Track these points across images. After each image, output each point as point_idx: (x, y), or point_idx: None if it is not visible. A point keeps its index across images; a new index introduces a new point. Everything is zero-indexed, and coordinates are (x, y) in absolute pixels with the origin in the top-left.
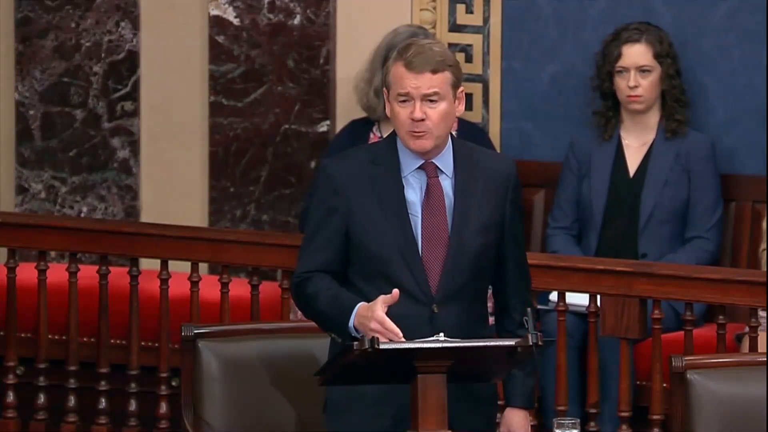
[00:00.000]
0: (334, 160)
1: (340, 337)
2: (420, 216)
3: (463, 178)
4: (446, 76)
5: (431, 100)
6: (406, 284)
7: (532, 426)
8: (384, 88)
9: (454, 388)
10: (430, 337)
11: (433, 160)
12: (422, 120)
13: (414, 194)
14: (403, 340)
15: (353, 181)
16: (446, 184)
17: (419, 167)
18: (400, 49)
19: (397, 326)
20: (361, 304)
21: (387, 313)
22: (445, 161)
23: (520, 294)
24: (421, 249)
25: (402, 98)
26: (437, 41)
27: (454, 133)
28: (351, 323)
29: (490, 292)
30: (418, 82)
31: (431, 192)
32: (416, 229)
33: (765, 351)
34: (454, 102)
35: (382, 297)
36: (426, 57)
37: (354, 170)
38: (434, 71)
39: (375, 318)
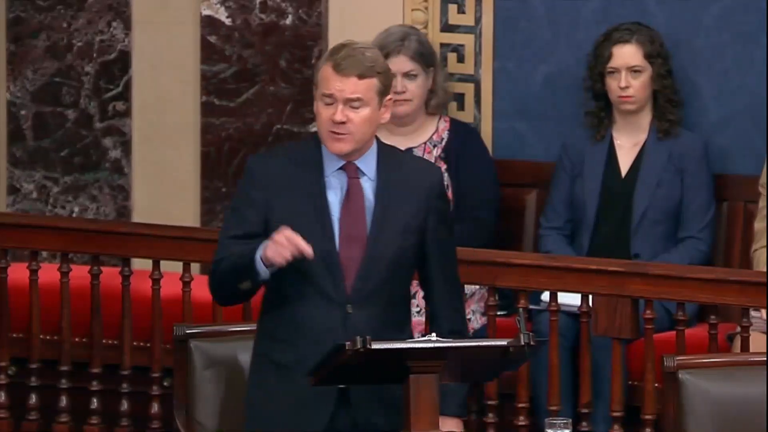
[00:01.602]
0: (259, 157)
1: (250, 279)
2: (338, 216)
3: (385, 181)
4: (372, 83)
5: (354, 105)
6: (322, 284)
7: (524, 426)
8: (314, 85)
9: (363, 390)
10: (342, 338)
11: (355, 162)
12: (343, 123)
13: (334, 194)
14: (311, 253)
15: (275, 179)
16: (367, 186)
17: (340, 168)
18: (332, 49)
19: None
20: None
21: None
22: (368, 163)
23: (448, 302)
24: (339, 249)
25: (326, 99)
26: (372, 47)
27: (446, 133)
28: (258, 255)
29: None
30: (342, 86)
31: (351, 193)
32: (334, 229)
33: (757, 351)
34: (379, 109)
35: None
36: (355, 61)
37: (277, 168)
38: (361, 76)
39: (284, 232)
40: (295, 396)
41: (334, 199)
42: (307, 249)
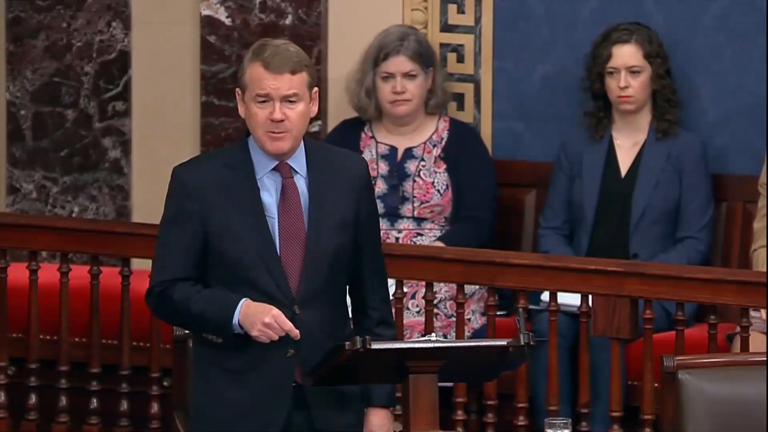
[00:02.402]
0: (186, 166)
1: (220, 336)
2: (276, 217)
3: (317, 177)
4: (303, 77)
5: (290, 101)
6: (267, 287)
7: (523, 426)
8: (237, 89)
9: (321, 391)
10: (291, 339)
11: (288, 161)
12: (281, 121)
13: (269, 196)
14: (298, 336)
15: (207, 187)
16: (301, 183)
17: (273, 168)
18: (255, 50)
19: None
20: (246, 300)
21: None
22: (299, 161)
23: (377, 291)
24: (279, 250)
25: (261, 99)
26: (290, 42)
27: (445, 133)
28: (235, 320)
29: None
30: (277, 83)
31: (286, 192)
32: (273, 231)
33: (757, 351)
34: (310, 102)
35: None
36: (284, 58)
37: (207, 176)
38: (293, 72)
39: (272, 314)
40: (248, 400)
41: (270, 200)
42: (295, 331)
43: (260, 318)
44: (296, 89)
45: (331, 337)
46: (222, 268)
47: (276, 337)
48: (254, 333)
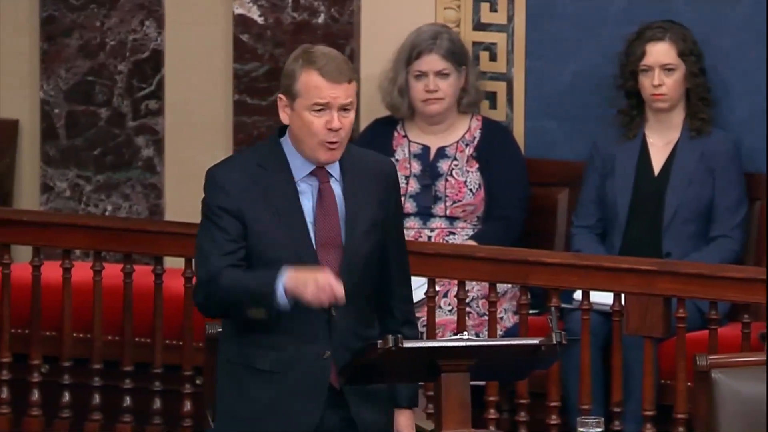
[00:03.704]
0: (221, 167)
1: (264, 306)
2: (314, 221)
3: (350, 181)
4: (355, 85)
5: (346, 110)
6: None
7: (555, 424)
8: (282, 95)
9: (355, 392)
10: (326, 340)
11: (325, 166)
12: (339, 130)
13: (306, 200)
14: (344, 301)
15: (244, 187)
16: (336, 187)
17: (310, 173)
18: (304, 57)
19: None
20: (289, 268)
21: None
22: (334, 165)
23: (402, 292)
24: (317, 254)
25: (319, 107)
26: (331, 48)
27: (478, 132)
28: (280, 288)
29: None
30: (336, 92)
31: (324, 197)
32: (311, 235)
33: None
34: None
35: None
36: (339, 66)
37: (243, 176)
38: (349, 81)
39: (325, 275)
40: (280, 401)
41: (307, 204)
42: (343, 299)
43: (313, 277)
44: (352, 98)
45: (362, 338)
46: (258, 268)
47: (326, 301)
48: (308, 293)
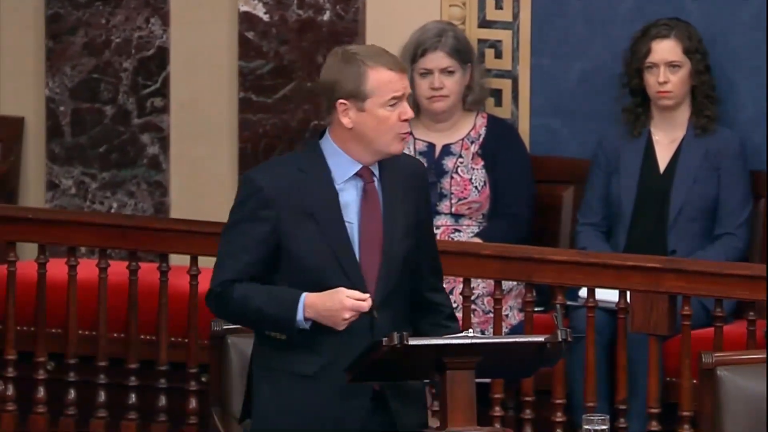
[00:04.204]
0: (261, 172)
1: (283, 333)
2: (357, 222)
3: (388, 181)
4: None
5: (406, 100)
6: None
7: (560, 422)
8: (345, 101)
9: (397, 392)
10: (369, 343)
11: (370, 166)
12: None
13: (350, 201)
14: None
15: (284, 193)
16: (378, 188)
17: (355, 173)
18: (361, 57)
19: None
20: (306, 294)
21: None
22: (374, 165)
23: (440, 287)
24: (359, 256)
25: (394, 101)
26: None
27: (483, 129)
28: (299, 316)
29: None
30: (405, 83)
31: (368, 197)
32: (352, 236)
33: None
34: None
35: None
36: (395, 57)
37: (283, 182)
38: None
39: (347, 305)
40: (322, 404)
41: (350, 205)
42: (369, 301)
43: (339, 313)
44: (409, 89)
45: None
46: (296, 273)
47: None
48: (341, 326)
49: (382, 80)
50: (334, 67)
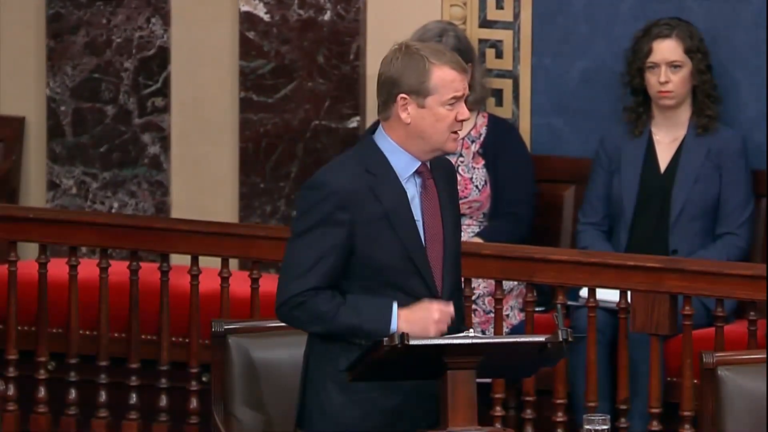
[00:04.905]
0: (332, 176)
1: (371, 339)
2: (422, 219)
3: (437, 177)
4: None
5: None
6: (416, 289)
7: (561, 422)
8: (406, 95)
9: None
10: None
11: (426, 162)
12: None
13: (413, 198)
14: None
15: (358, 195)
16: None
17: (415, 171)
18: (428, 52)
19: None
20: (400, 309)
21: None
22: (427, 163)
23: (460, 285)
24: (427, 252)
25: (454, 100)
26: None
27: (484, 129)
28: (393, 327)
29: None
30: (465, 83)
31: (428, 194)
32: (421, 234)
33: None
34: None
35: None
36: (457, 56)
37: (356, 184)
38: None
39: (435, 316)
40: (397, 406)
41: (415, 202)
42: (452, 311)
43: (429, 322)
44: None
45: (455, 330)
46: (367, 274)
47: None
48: (432, 334)
49: (446, 79)
50: (396, 62)
